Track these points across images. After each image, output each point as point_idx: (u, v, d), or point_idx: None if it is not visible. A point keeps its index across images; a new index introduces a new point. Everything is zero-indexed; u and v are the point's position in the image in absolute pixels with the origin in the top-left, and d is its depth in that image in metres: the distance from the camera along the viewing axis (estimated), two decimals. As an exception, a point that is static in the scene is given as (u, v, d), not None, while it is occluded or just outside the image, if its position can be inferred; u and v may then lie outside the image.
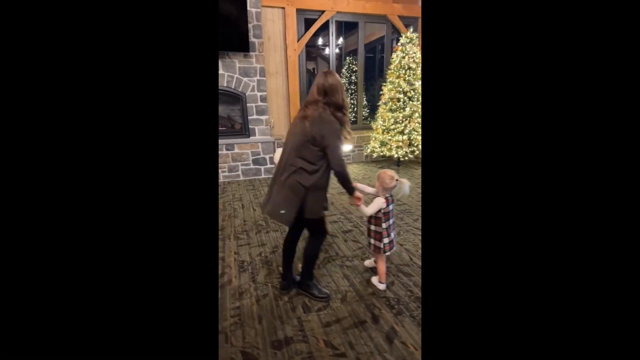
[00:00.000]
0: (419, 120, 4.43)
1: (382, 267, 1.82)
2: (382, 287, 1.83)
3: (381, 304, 1.70)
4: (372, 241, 1.81)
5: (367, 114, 5.74)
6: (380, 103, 4.75)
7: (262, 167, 4.60)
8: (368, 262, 2.09)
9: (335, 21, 5.09)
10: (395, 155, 4.52)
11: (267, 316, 1.63)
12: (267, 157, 4.58)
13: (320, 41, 7.01)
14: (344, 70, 6.39)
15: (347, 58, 6.38)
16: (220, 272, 2.06)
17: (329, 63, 5.35)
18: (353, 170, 4.95)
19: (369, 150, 4.97)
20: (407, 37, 4.41)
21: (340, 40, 5.30)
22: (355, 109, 5.65)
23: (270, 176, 4.60)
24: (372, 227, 1.79)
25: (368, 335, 1.49)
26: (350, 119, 6.15)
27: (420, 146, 4.48)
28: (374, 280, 1.88)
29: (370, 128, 5.29)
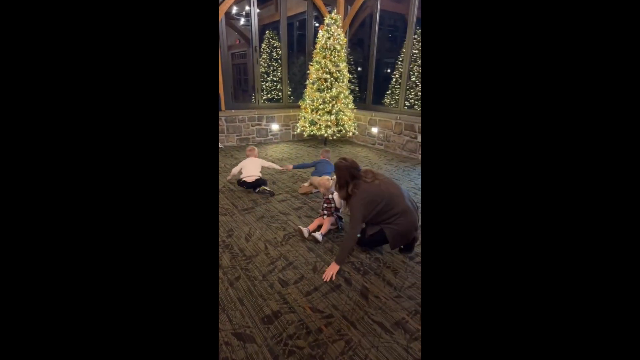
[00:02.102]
0: (345, 100, 4.72)
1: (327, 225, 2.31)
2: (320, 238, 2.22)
3: (349, 269, 1.91)
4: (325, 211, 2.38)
5: (290, 92, 5.74)
6: (307, 82, 4.83)
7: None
8: (305, 230, 2.26)
9: (257, -9, 4.82)
10: (325, 135, 4.75)
11: (247, 297, 1.64)
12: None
13: (234, 10, 6.51)
14: (264, 45, 6.15)
15: (267, 32, 6.14)
16: (177, 263, 1.91)
17: (251, 36, 5.08)
18: (282, 149, 4.98)
19: (299, 130, 5.06)
20: (331, 19, 4.54)
21: (257, 11, 5.05)
22: (279, 87, 5.56)
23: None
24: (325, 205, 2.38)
25: (346, 296, 1.67)
26: (274, 97, 6.08)
27: (346, 125, 4.82)
28: (318, 234, 2.22)
29: (296, 107, 5.35)
